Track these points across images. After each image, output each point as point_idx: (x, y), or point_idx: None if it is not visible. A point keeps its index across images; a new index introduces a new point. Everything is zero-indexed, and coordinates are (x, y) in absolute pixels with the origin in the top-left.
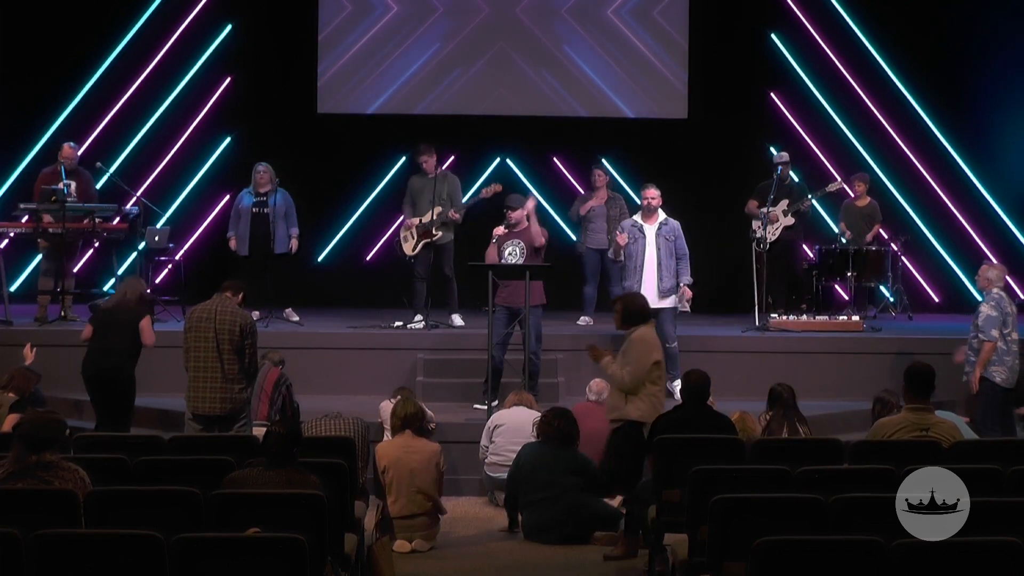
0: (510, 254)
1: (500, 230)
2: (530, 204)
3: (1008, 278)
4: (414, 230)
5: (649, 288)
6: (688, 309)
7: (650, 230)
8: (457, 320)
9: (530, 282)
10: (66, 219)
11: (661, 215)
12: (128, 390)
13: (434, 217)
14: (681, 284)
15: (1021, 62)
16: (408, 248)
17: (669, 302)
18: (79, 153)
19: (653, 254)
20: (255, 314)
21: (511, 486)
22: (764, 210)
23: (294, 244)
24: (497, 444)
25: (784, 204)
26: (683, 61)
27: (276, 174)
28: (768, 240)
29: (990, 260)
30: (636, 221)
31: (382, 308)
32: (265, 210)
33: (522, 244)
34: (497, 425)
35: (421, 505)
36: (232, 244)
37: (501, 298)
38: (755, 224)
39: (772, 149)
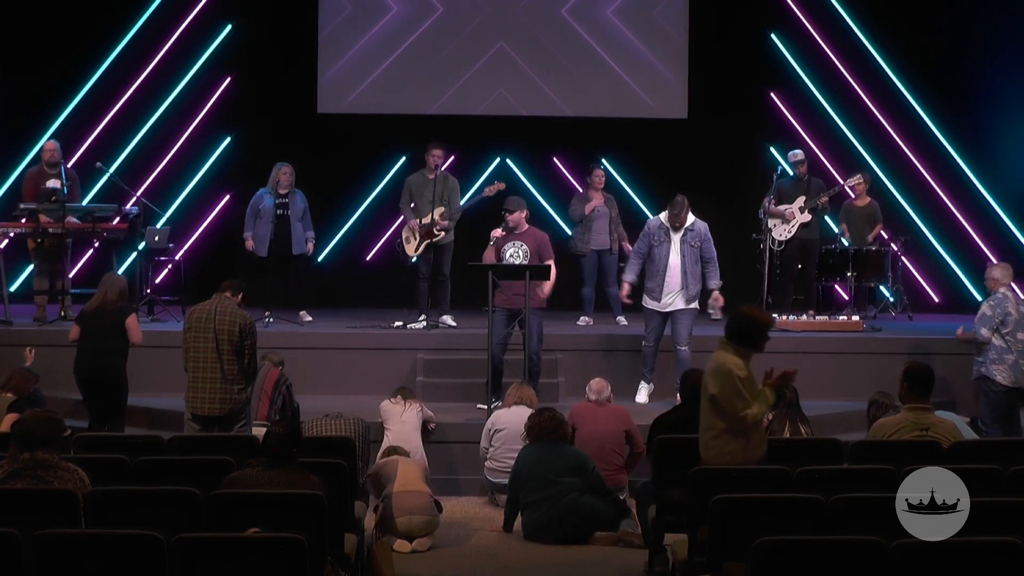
0: (512, 256)
1: (498, 232)
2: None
3: None
4: (416, 231)
5: (672, 292)
6: (720, 316)
7: (676, 234)
8: (449, 320)
9: (536, 284)
10: (63, 219)
11: (690, 218)
12: (120, 389)
13: (436, 217)
14: (713, 290)
15: (1021, 62)
16: (411, 249)
17: (693, 305)
18: (58, 149)
19: (678, 261)
20: (267, 314)
21: (513, 488)
22: (783, 207)
23: (310, 246)
24: (496, 449)
25: (800, 201)
26: (683, 61)
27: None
28: (784, 239)
29: (991, 260)
30: (662, 222)
31: (382, 308)
32: (287, 212)
33: (525, 247)
34: (497, 429)
35: (419, 485)
36: (249, 245)
37: (501, 300)
38: (772, 222)
39: (772, 149)
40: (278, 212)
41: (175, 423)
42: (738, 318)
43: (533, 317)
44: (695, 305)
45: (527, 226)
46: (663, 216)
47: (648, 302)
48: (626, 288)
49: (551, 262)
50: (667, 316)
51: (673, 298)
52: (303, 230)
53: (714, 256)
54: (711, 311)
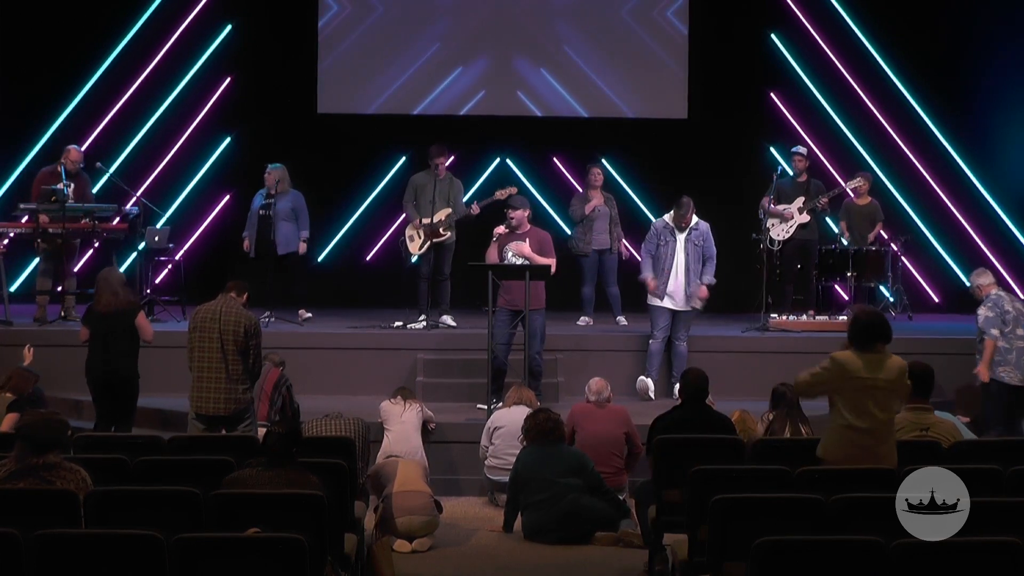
0: (514, 255)
1: (501, 229)
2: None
3: (1008, 278)
4: (420, 230)
5: (677, 291)
6: (699, 307)
7: (681, 234)
8: (448, 320)
9: (534, 283)
10: (65, 219)
11: (693, 218)
12: (134, 392)
13: (442, 218)
14: (703, 284)
15: (1021, 62)
16: (414, 248)
17: (695, 303)
18: (82, 158)
19: (683, 259)
20: (267, 314)
21: (513, 490)
22: (781, 207)
23: (302, 246)
24: (497, 447)
25: (800, 201)
26: (683, 61)
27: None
28: (781, 239)
29: (992, 260)
30: (667, 223)
31: (382, 308)
32: (269, 212)
33: (525, 260)
34: (497, 427)
35: (420, 484)
36: (245, 245)
37: (504, 300)
38: (770, 222)
39: (772, 149)
40: (260, 212)
41: (178, 423)
42: (880, 322)
43: (536, 318)
44: (696, 303)
45: (529, 226)
46: (668, 217)
47: (654, 300)
48: (652, 283)
49: (553, 260)
50: (674, 314)
51: (679, 295)
52: (295, 230)
53: (714, 254)
54: (694, 302)
